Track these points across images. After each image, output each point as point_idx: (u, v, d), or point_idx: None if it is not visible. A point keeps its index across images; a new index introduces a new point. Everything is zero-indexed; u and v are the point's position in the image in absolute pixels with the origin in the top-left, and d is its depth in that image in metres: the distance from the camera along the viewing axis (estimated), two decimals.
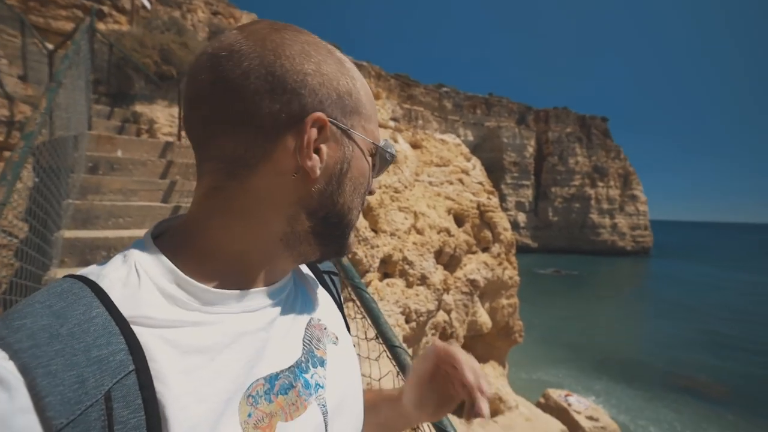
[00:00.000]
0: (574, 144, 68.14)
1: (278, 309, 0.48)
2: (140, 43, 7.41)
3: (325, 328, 0.54)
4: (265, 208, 0.44)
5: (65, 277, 0.40)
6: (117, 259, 0.42)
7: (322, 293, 0.60)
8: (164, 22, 9.21)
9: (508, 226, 9.61)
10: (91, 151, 3.04)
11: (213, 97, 0.42)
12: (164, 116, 6.09)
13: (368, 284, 4.65)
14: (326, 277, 0.66)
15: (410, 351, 4.77)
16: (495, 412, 8.90)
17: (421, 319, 5.06)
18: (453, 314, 7.10)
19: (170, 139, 5.02)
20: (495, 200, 9.56)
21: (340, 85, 0.45)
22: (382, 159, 0.52)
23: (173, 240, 0.45)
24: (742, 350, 18.90)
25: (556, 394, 10.41)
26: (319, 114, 0.43)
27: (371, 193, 0.54)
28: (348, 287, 1.33)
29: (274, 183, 0.44)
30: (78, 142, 3.11)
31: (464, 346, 8.48)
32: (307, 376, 0.47)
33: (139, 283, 0.40)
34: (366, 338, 1.26)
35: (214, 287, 0.42)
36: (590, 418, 9.46)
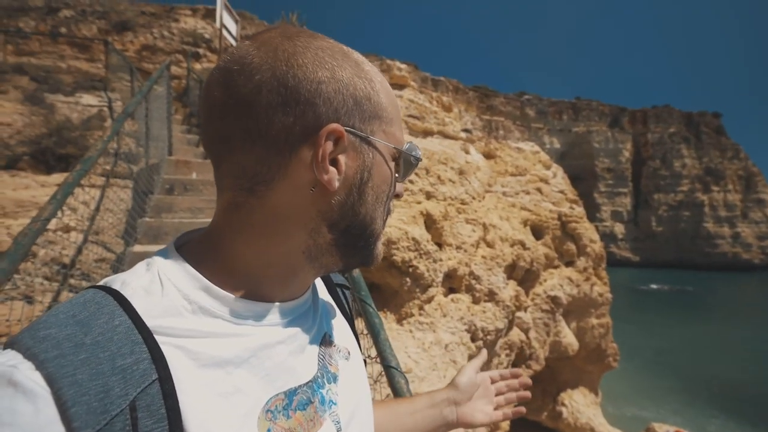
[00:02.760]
0: (679, 145, 61.16)
1: (298, 323, 0.48)
2: None
3: (336, 344, 0.54)
4: (286, 223, 0.44)
5: (89, 287, 0.40)
6: (140, 268, 0.43)
7: (334, 307, 0.60)
8: None
9: (596, 237, 8.82)
10: (169, 174, 3.38)
11: (226, 113, 0.41)
12: None
13: (431, 299, 4.51)
14: (338, 290, 0.65)
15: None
16: None
17: (489, 337, 4.75)
18: (531, 333, 6.60)
19: None
20: (579, 210, 8.84)
21: (357, 90, 0.43)
22: (406, 163, 0.49)
23: (196, 251, 0.45)
24: None
25: (663, 429, 9.12)
26: (334, 126, 0.41)
27: (398, 197, 0.51)
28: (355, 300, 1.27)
29: (293, 198, 0.43)
30: (159, 167, 3.48)
31: (548, 368, 7.83)
32: (323, 391, 0.47)
33: (163, 291, 0.40)
34: (369, 357, 1.18)
35: (238, 299, 0.43)
36: None
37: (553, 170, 9.82)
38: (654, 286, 38.00)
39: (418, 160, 0.51)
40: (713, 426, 12.07)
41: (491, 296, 5.10)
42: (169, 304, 0.39)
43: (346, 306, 0.65)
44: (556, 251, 8.09)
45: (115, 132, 2.47)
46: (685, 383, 14.94)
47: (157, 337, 0.36)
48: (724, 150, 61.75)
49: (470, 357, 4.37)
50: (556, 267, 8.04)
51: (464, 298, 4.77)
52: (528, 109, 58.63)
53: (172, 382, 0.35)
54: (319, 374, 0.48)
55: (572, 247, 8.36)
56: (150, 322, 0.37)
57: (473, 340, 4.51)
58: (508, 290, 5.60)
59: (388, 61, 11.55)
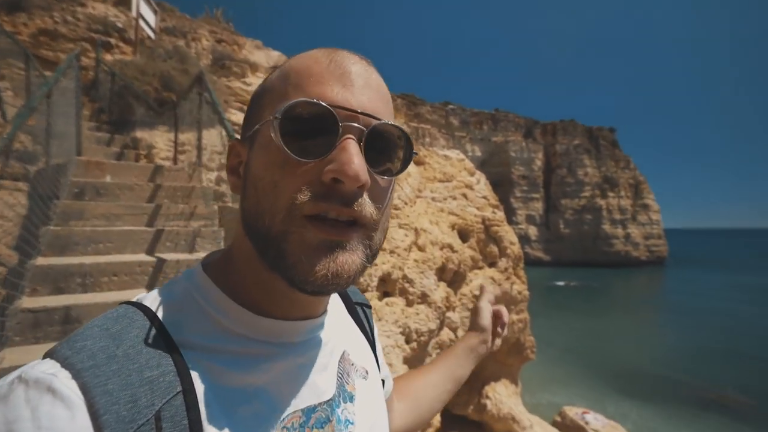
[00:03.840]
0: (582, 156, 67.84)
1: (317, 342, 0.48)
2: (142, 71, 7.57)
3: (353, 363, 0.54)
4: (239, 238, 0.46)
5: (121, 303, 0.42)
6: (170, 287, 0.45)
7: (353, 326, 0.60)
8: (167, 51, 9.44)
9: (515, 239, 9.45)
10: (77, 177, 3.03)
11: None
12: (163, 141, 6.15)
13: None
14: (358, 308, 0.65)
15: None
16: None
17: (422, 338, 4.90)
18: (460, 332, 6.91)
19: (166, 163, 5.04)
20: (501, 214, 9.43)
21: (258, 99, 0.46)
22: (291, 121, 0.38)
23: (218, 270, 0.46)
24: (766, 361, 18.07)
25: (573, 411, 10.05)
26: (231, 142, 0.47)
27: (335, 181, 0.38)
28: None
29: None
30: (65, 169, 3.11)
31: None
32: (339, 411, 0.48)
33: (191, 309, 0.42)
34: None
35: (256, 315, 0.43)
36: None
37: (477, 177, 10.38)
38: (560, 283, 41.79)
39: (309, 103, 0.38)
40: (615, 406, 13.60)
41: (424, 298, 5.26)
42: (197, 322, 0.42)
43: (366, 325, 0.65)
44: (481, 253, 8.54)
45: (15, 128, 2.17)
46: (591, 369, 16.64)
47: (183, 351, 0.38)
48: (618, 161, 69.71)
49: (405, 359, 4.46)
50: (480, 268, 8.49)
51: (398, 301, 4.87)
52: (452, 118, 61.42)
53: (195, 394, 0.37)
54: (336, 393, 0.49)
55: (494, 249, 8.88)
56: (177, 337, 0.39)
57: (407, 342, 4.62)
58: (440, 292, 5.82)
59: None
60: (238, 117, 8.01)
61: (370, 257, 0.42)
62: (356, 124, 0.38)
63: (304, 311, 0.46)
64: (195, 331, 0.41)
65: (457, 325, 6.94)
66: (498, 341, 0.90)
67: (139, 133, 6.18)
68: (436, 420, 6.73)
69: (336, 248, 0.38)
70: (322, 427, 0.45)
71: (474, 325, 0.88)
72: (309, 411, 0.44)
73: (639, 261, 63.05)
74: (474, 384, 8.97)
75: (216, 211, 3.27)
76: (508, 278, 8.93)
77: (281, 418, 0.42)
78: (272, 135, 0.38)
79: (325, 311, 0.50)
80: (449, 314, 6.52)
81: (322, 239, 0.38)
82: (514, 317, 9.17)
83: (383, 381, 0.64)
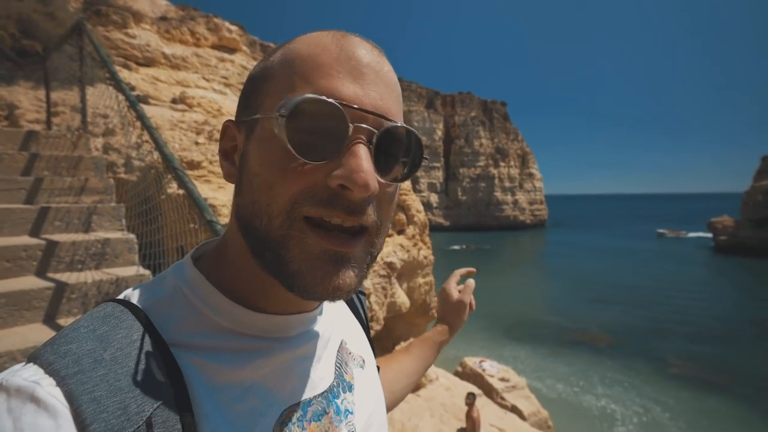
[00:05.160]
0: (478, 127, 72.63)
1: (313, 334, 0.47)
2: None
3: (351, 352, 0.54)
4: (232, 234, 0.43)
5: (107, 301, 0.40)
6: (158, 282, 0.43)
7: (349, 314, 0.59)
8: None
9: (420, 208, 9.92)
10: None
11: None
12: (28, 100, 5.19)
13: None
14: (354, 296, 0.64)
15: None
16: (417, 387, 9.32)
17: None
18: (372, 298, 7.19)
19: (37, 127, 4.30)
20: (407, 183, 9.79)
21: (255, 79, 0.42)
22: (296, 118, 0.35)
23: (211, 264, 0.44)
24: (624, 306, 22.00)
25: (471, 361, 11.18)
26: (225, 122, 0.43)
27: (342, 187, 0.35)
28: None
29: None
30: None
31: (385, 327, 8.68)
32: (338, 401, 0.47)
33: (181, 306, 0.40)
34: None
35: (250, 311, 0.41)
36: (502, 379, 10.33)
37: None
38: (456, 247, 45.35)
39: (299, 103, 0.35)
40: (507, 351, 15.73)
41: None
42: (188, 319, 0.39)
43: (361, 312, 0.63)
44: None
45: None
46: (488, 323, 18.68)
47: (174, 351, 0.37)
48: (508, 133, 76.07)
49: None
50: (390, 236, 8.83)
51: None
52: None
53: (188, 397, 0.35)
54: (335, 383, 0.48)
55: (403, 217, 9.25)
56: (168, 336, 0.37)
57: None
58: None
59: (216, 20, 10.43)
60: (123, 75, 7.03)
61: (371, 263, 0.40)
62: (367, 125, 0.36)
63: (300, 307, 0.44)
64: (186, 329, 0.39)
65: (370, 292, 7.21)
66: (459, 323, 0.89)
67: None
68: None
69: (340, 262, 0.37)
70: (320, 420, 0.44)
71: (442, 316, 0.89)
72: (305, 404, 0.43)
73: (525, 224, 70.83)
74: (386, 345, 9.49)
75: (112, 185, 2.90)
76: (415, 245, 9.42)
77: (279, 413, 0.41)
78: (276, 131, 0.35)
79: (319, 304, 0.49)
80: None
81: (325, 249, 0.36)
82: (421, 280, 9.78)
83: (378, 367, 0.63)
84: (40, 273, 2.04)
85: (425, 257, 9.75)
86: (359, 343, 0.57)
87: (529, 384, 11.30)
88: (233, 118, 0.44)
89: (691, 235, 58.83)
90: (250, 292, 0.42)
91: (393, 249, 8.55)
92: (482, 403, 9.28)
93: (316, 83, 0.36)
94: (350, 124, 0.35)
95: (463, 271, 0.94)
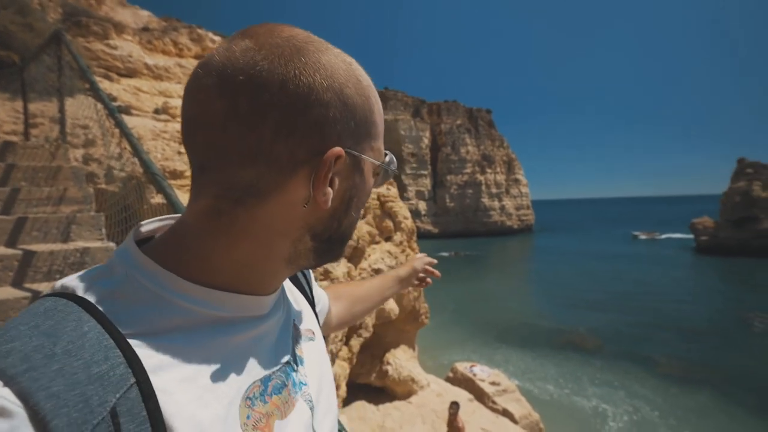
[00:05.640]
0: (464, 135, 73.35)
1: (272, 314, 0.49)
2: None
3: (301, 327, 0.57)
4: (272, 234, 0.43)
5: (44, 296, 0.38)
6: (104, 270, 0.41)
7: (296, 291, 0.62)
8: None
9: (408, 214, 9.97)
10: None
11: (228, 126, 0.38)
12: (5, 111, 5.11)
13: None
14: (298, 272, 0.66)
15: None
16: (409, 393, 9.27)
17: None
18: None
19: (14, 138, 4.23)
20: (394, 191, 9.84)
21: (357, 112, 0.43)
22: (384, 175, 0.52)
23: (164, 250, 0.43)
24: (611, 308, 22.26)
25: (462, 366, 11.18)
26: (338, 150, 0.41)
27: None
28: None
29: (284, 212, 0.42)
30: None
31: (375, 334, 8.64)
32: (294, 375, 0.50)
33: (134, 292, 0.39)
34: None
35: (225, 292, 0.43)
36: (493, 383, 10.34)
37: None
38: (445, 254, 45.34)
39: (395, 172, 0.54)
40: (499, 355, 15.76)
41: (326, 275, 5.33)
42: (143, 306, 0.38)
43: (306, 287, 0.67)
44: (377, 228, 8.87)
45: None
46: (478, 327, 18.78)
47: (130, 340, 0.35)
48: (494, 140, 76.94)
49: None
50: (377, 243, 8.83)
51: None
52: None
53: (150, 383, 0.35)
54: (291, 359, 0.51)
55: (390, 224, 9.28)
56: (122, 326, 0.36)
57: None
58: (341, 268, 5.94)
59: (200, 31, 10.42)
60: (104, 85, 6.96)
61: None
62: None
63: (272, 287, 0.48)
64: (143, 317, 0.38)
65: None
66: (421, 284, 1.09)
67: None
68: (342, 390, 6.96)
69: None
70: (280, 392, 0.46)
71: (410, 263, 1.08)
72: (266, 379, 0.45)
73: (512, 229, 71.41)
74: (376, 352, 9.45)
75: (92, 194, 2.86)
76: (403, 251, 9.44)
77: (245, 389, 0.42)
78: (372, 172, 0.49)
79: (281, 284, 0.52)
80: None
81: None
82: (409, 288, 9.77)
83: (319, 321, 0.68)
84: (17, 283, 2.00)
85: None
86: (307, 318, 0.60)
87: (520, 386, 11.35)
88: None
89: (666, 236, 59.77)
90: (224, 276, 0.43)
91: (381, 256, 8.57)
92: (473, 407, 9.27)
93: (378, 140, 0.48)
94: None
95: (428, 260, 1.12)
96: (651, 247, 49.20)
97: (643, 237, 60.95)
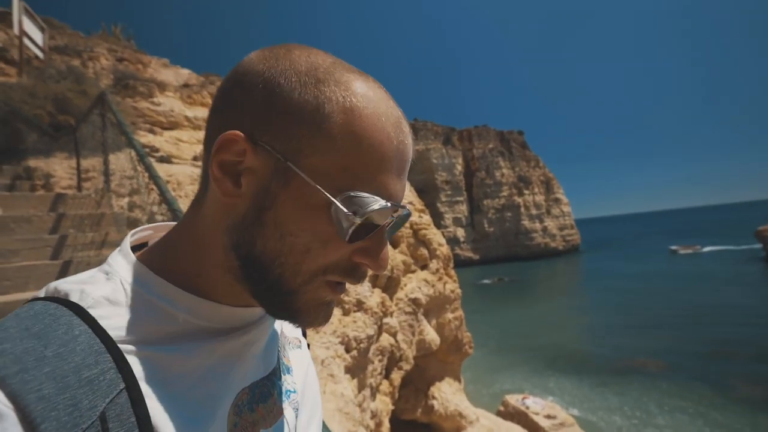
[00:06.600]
0: (497, 158, 72.60)
1: (258, 323, 0.47)
2: (31, 94, 6.88)
3: (287, 335, 0.57)
4: (206, 236, 0.41)
5: (32, 300, 0.37)
6: (98, 275, 0.40)
7: None
8: (60, 72, 8.66)
9: (443, 241, 9.85)
10: None
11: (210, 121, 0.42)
12: (63, 169, 5.62)
13: None
14: None
15: (355, 381, 4.59)
16: (457, 429, 8.83)
17: (362, 345, 4.93)
18: (399, 336, 7.03)
19: (70, 192, 4.62)
20: (427, 218, 9.79)
21: (291, 103, 0.37)
22: (353, 217, 0.37)
23: (156, 256, 0.43)
24: (670, 328, 20.58)
25: (514, 399, 10.60)
26: (235, 133, 0.37)
27: (357, 271, 0.41)
28: None
29: (213, 209, 0.41)
30: None
31: (416, 367, 8.40)
32: (281, 383, 0.50)
33: (127, 300, 0.39)
34: None
35: (211, 302, 0.42)
36: (548, 416, 9.71)
37: None
38: (487, 281, 43.54)
39: (390, 215, 0.39)
40: (552, 383, 14.79)
41: (359, 306, 5.30)
42: (134, 312, 0.38)
43: None
44: (412, 257, 8.80)
45: None
46: (528, 355, 17.82)
47: (120, 346, 0.35)
48: (529, 161, 75.61)
49: (346, 368, 4.46)
50: (413, 271, 8.73)
51: (335, 311, 4.87)
52: None
53: (140, 389, 0.35)
54: (277, 367, 0.51)
55: (424, 252, 9.19)
56: (113, 331, 0.36)
57: (347, 350, 4.63)
58: (375, 298, 5.90)
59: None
60: (148, 139, 7.52)
61: None
62: (394, 216, 0.40)
63: (239, 300, 0.45)
64: (136, 325, 0.37)
65: (396, 330, 7.06)
66: None
67: (33, 162, 5.59)
68: (385, 427, 6.75)
69: (332, 303, 0.44)
70: (266, 401, 0.46)
71: None
72: (254, 387, 0.45)
73: (557, 251, 68.62)
74: (419, 386, 9.14)
75: None
76: (440, 279, 9.27)
77: (233, 398, 0.42)
78: (333, 216, 0.37)
79: None
80: (386, 319, 6.62)
81: (331, 299, 0.42)
82: (450, 315, 9.52)
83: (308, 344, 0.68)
84: None
85: (452, 291, 9.55)
86: (293, 326, 0.60)
87: (581, 417, 10.55)
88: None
89: (707, 249, 52.53)
90: (208, 286, 0.42)
91: (417, 285, 8.44)
92: None
93: (378, 177, 0.38)
94: (391, 217, 0.40)
95: None
96: (715, 261, 45.27)
97: (682, 252, 53.23)
